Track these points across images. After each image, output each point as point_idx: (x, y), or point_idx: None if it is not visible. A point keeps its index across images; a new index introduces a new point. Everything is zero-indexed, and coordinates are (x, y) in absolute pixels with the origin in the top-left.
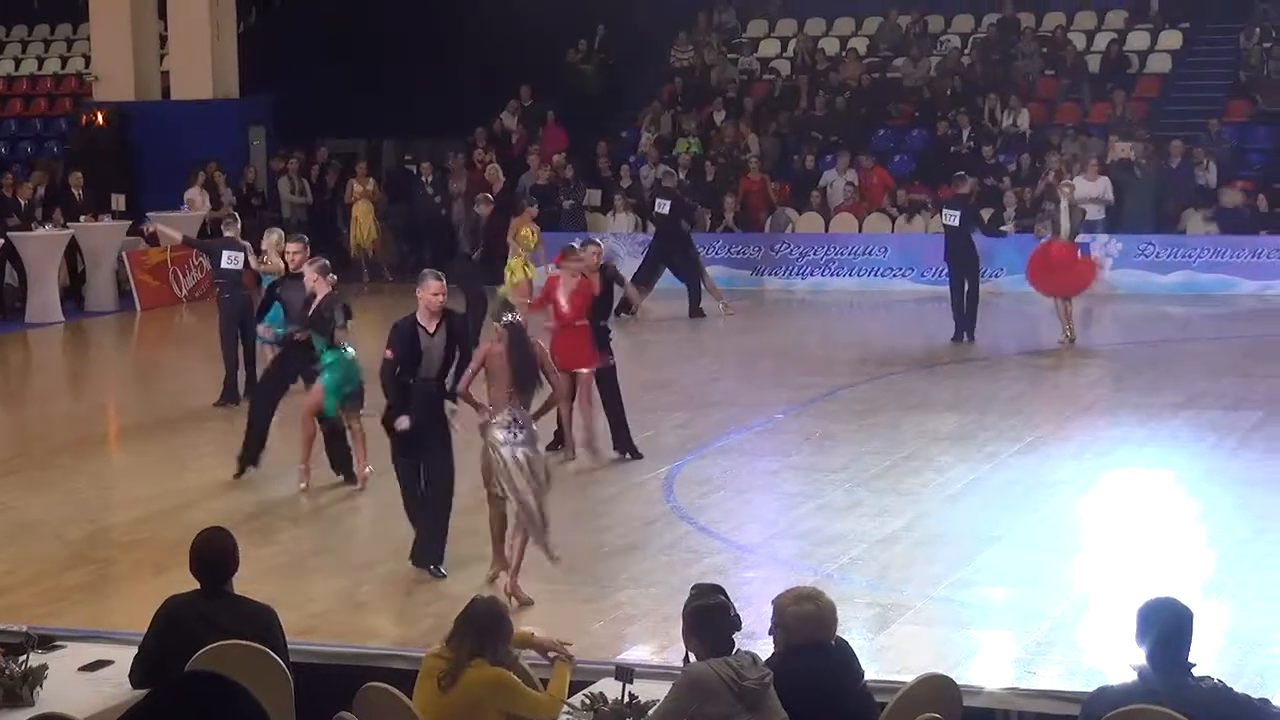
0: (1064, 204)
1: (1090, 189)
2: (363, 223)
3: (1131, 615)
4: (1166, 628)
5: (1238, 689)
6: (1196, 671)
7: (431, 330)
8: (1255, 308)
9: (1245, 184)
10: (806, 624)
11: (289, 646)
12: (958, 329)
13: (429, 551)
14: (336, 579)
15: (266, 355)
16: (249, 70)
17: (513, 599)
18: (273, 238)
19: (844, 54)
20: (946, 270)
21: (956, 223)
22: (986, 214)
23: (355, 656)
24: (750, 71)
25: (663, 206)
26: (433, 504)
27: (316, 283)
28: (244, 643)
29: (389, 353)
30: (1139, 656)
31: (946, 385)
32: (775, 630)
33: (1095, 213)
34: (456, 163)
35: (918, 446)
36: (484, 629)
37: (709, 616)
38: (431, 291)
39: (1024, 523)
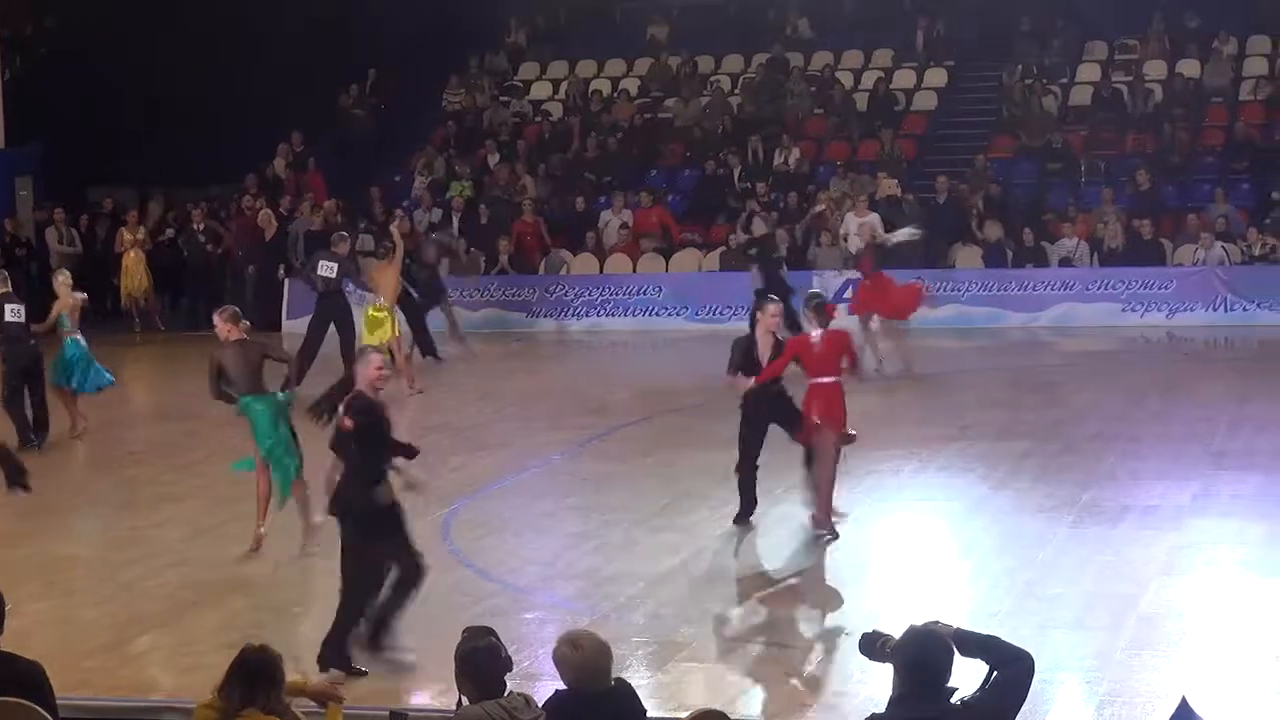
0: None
1: (860, 225)
2: (133, 272)
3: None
4: (918, 656)
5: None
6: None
7: None
8: (1022, 340)
9: (1010, 219)
10: (578, 667)
11: (59, 701)
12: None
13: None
14: (110, 632)
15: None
16: (14, 120)
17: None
18: (60, 278)
19: (616, 95)
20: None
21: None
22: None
23: (129, 710)
24: (523, 114)
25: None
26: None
27: (230, 331)
28: (12, 700)
29: (349, 423)
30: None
31: (724, 422)
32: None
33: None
34: (232, 210)
35: (694, 484)
36: (254, 677)
37: (479, 659)
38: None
39: (798, 558)
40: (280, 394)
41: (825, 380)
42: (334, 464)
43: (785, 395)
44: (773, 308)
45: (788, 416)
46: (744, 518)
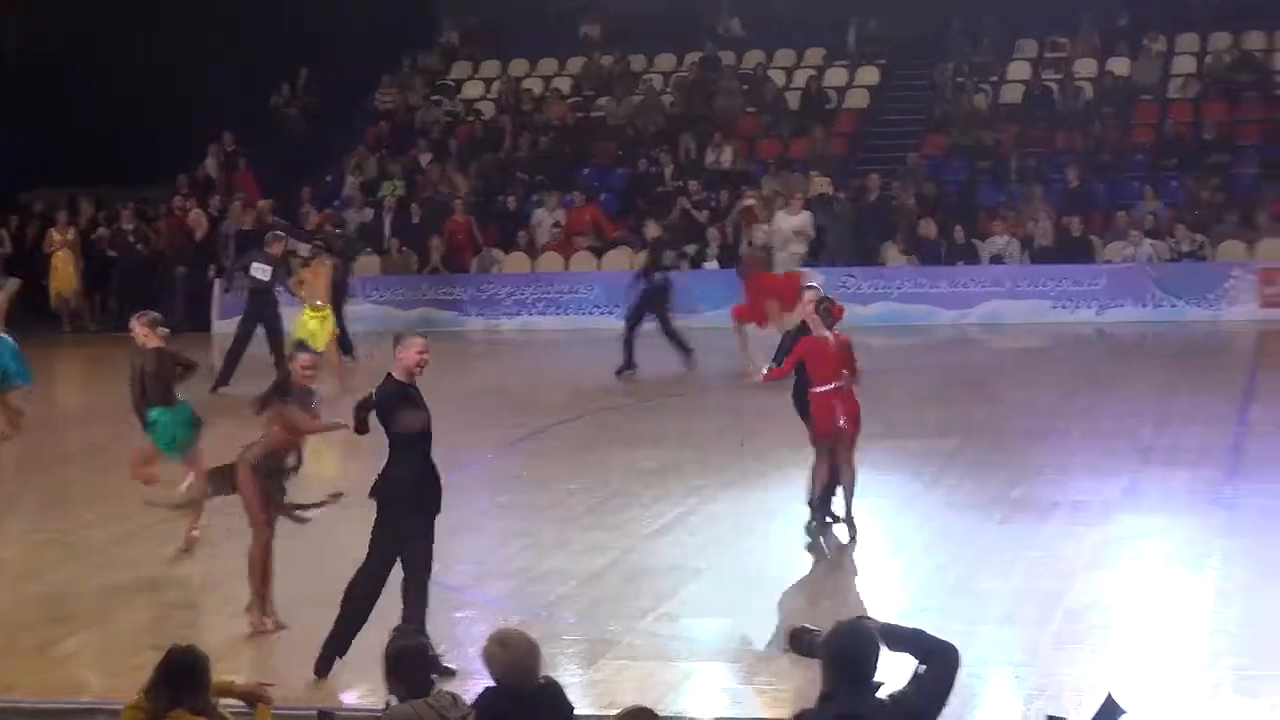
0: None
1: (792, 223)
2: (62, 272)
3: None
4: (844, 651)
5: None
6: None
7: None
8: (953, 337)
9: (941, 216)
10: (507, 665)
11: None
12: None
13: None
14: (38, 633)
15: None
16: None
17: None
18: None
19: (548, 94)
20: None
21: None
22: (691, 249)
23: (57, 712)
24: (455, 113)
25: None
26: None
27: (148, 337)
28: None
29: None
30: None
31: (654, 421)
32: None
33: (798, 246)
34: (162, 210)
35: (625, 483)
36: (181, 678)
37: (408, 658)
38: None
39: (728, 556)
40: (181, 408)
41: (837, 385)
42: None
43: None
44: (809, 294)
45: None
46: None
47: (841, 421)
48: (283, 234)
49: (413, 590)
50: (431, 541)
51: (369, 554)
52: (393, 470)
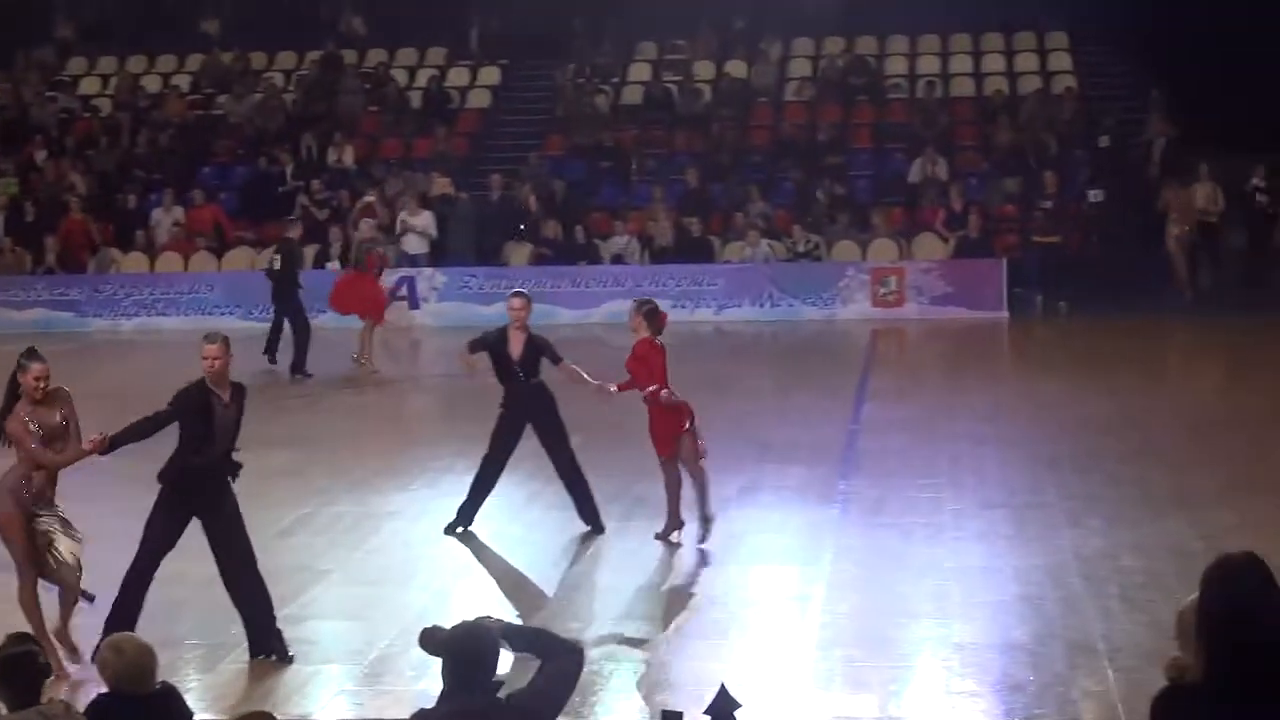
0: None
1: (414, 223)
2: None
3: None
4: (463, 650)
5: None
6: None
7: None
8: (575, 337)
9: (563, 216)
10: (120, 671)
11: None
12: (269, 355)
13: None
14: None
15: None
16: None
17: None
18: None
19: (167, 91)
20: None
21: (278, 266)
22: (313, 250)
23: None
24: (71, 109)
25: None
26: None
27: None
28: None
29: None
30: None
31: (279, 421)
32: None
33: (420, 246)
34: None
35: (249, 483)
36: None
37: (16, 666)
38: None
39: (354, 556)
40: None
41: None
42: None
43: (547, 394)
44: (516, 300)
45: (547, 423)
46: (463, 523)
47: (688, 425)
48: None
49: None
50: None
51: None
52: None
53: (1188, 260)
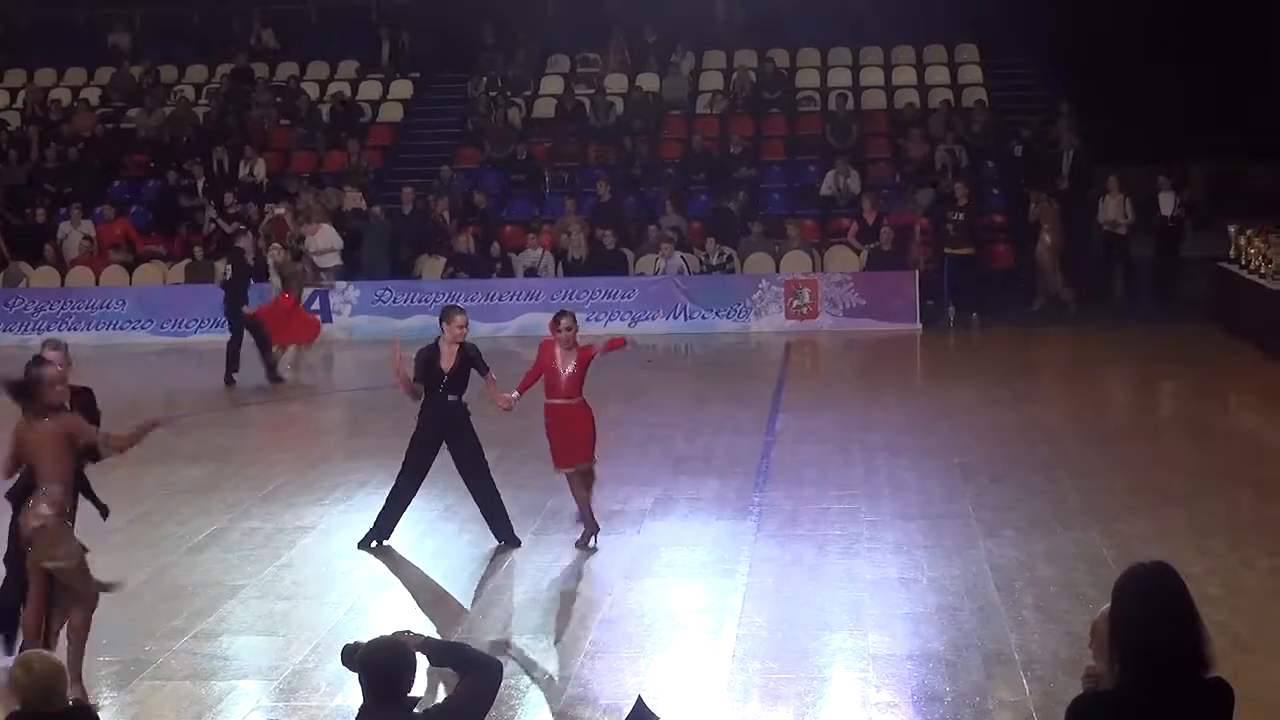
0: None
1: (316, 241)
2: None
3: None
4: (377, 665)
5: None
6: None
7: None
8: (488, 349)
9: (476, 229)
10: (28, 690)
11: None
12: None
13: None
14: None
15: None
16: None
17: None
18: None
19: (76, 104)
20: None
21: (230, 275)
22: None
23: None
24: None
25: None
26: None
27: None
28: None
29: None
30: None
31: (189, 436)
32: None
33: (332, 260)
34: None
35: (159, 500)
36: None
37: None
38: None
39: (266, 571)
40: None
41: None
42: None
43: (464, 411)
44: (460, 318)
45: (461, 438)
46: (379, 537)
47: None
48: None
49: None
50: None
51: None
52: None
53: (1061, 272)
